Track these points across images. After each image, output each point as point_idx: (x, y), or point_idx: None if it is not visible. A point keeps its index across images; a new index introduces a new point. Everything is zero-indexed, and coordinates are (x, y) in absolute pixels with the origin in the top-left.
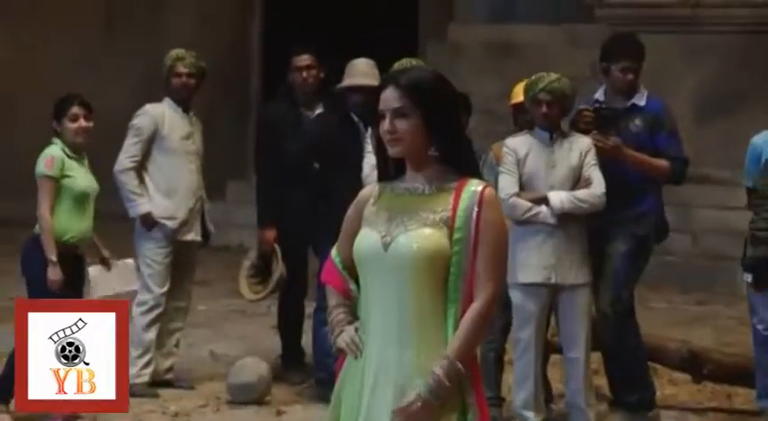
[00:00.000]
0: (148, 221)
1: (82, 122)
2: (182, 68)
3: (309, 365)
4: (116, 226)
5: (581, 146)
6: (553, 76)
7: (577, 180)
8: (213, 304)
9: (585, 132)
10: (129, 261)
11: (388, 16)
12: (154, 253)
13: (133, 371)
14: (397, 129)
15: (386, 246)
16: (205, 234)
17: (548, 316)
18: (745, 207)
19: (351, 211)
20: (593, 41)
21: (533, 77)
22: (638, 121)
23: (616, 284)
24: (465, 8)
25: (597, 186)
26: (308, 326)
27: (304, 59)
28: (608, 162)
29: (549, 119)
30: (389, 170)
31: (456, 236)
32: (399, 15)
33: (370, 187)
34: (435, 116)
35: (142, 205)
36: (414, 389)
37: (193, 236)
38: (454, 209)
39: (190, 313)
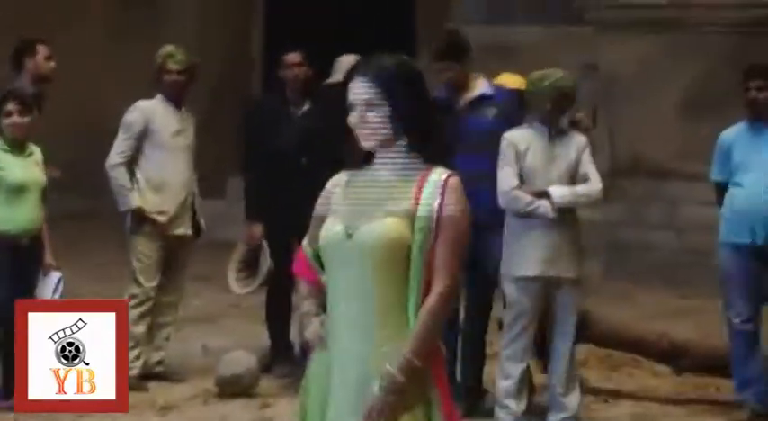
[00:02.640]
0: (139, 216)
1: (15, 118)
2: (172, 65)
3: (297, 358)
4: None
5: (578, 143)
6: (559, 72)
7: (574, 175)
8: (209, 298)
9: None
10: (55, 274)
11: (386, 19)
12: (144, 247)
13: None
14: (368, 120)
15: (349, 236)
16: (196, 229)
17: (541, 309)
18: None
19: (320, 201)
20: (584, 43)
21: (538, 74)
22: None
23: None
24: (462, 10)
25: (595, 182)
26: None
27: (293, 57)
28: None
29: (553, 115)
30: (358, 159)
31: (417, 225)
32: (398, 18)
33: (338, 176)
34: (404, 105)
35: (133, 200)
36: (374, 384)
37: (184, 230)
38: (417, 198)
39: (185, 307)
